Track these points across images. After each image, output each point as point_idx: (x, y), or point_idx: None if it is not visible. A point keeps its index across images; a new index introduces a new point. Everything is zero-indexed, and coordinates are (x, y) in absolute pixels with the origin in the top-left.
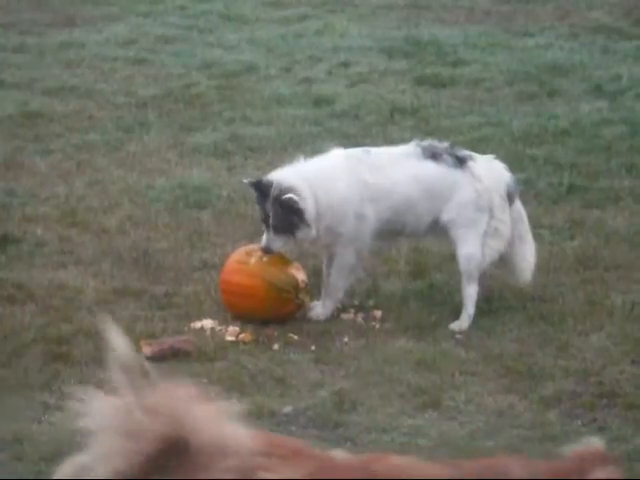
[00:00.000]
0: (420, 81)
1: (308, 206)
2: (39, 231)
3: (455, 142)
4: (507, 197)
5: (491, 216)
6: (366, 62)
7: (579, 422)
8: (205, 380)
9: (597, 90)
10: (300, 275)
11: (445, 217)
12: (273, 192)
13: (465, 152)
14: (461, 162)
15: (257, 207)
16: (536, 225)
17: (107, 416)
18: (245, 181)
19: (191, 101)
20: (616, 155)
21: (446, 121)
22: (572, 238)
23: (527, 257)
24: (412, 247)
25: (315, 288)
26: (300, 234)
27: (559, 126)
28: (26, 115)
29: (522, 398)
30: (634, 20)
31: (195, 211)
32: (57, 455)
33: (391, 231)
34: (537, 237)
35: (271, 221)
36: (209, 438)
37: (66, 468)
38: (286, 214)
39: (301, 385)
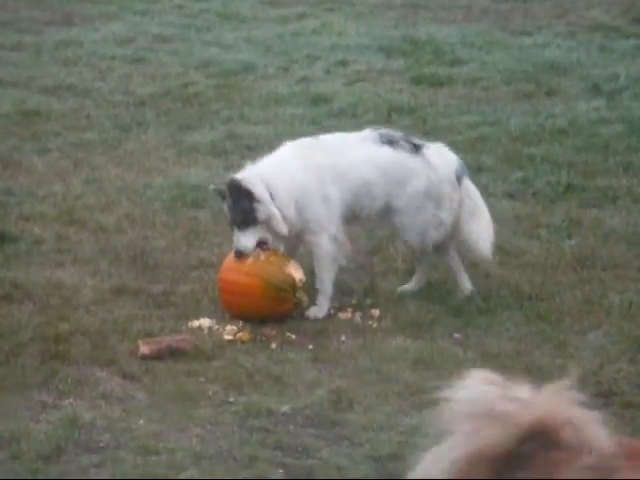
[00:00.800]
0: (418, 80)
1: (256, 187)
2: (36, 230)
3: (453, 141)
4: (456, 181)
5: (438, 206)
6: (364, 61)
7: None
8: (203, 379)
9: (595, 89)
10: (298, 274)
11: (396, 203)
12: (227, 189)
13: (419, 140)
14: (417, 149)
15: (226, 210)
16: (534, 224)
17: (478, 401)
18: (211, 187)
19: (189, 100)
20: (614, 154)
21: (444, 120)
22: (570, 237)
23: (481, 233)
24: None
25: (313, 287)
26: (261, 216)
27: (557, 125)
28: (23, 113)
29: None
30: (632, 18)
31: (193, 210)
32: (54, 454)
33: (351, 215)
34: (535, 236)
35: (233, 217)
36: (575, 436)
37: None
38: (239, 202)
39: (299, 384)
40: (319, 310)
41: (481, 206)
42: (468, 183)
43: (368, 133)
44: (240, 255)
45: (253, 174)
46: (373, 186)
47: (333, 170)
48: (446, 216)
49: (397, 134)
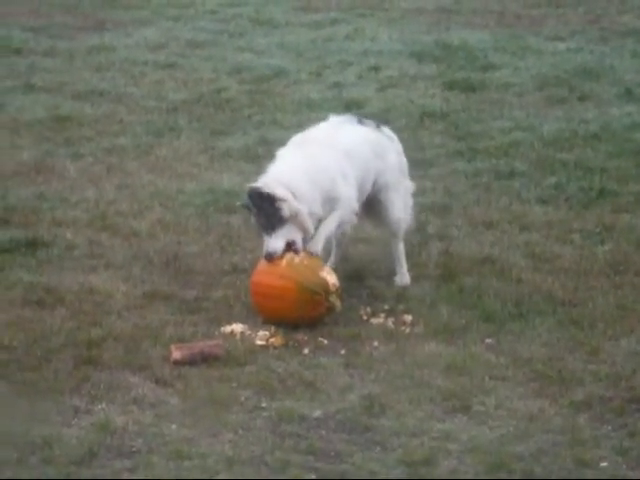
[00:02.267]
0: (450, 85)
1: (276, 188)
2: (69, 235)
3: (485, 147)
4: None
5: (406, 178)
6: (396, 66)
7: (609, 427)
8: (235, 384)
9: (627, 94)
10: (331, 278)
11: (382, 179)
12: (249, 199)
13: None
14: (378, 127)
15: (254, 213)
16: (567, 229)
17: None
18: (238, 204)
19: (221, 105)
20: None
21: (476, 125)
22: (603, 242)
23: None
24: (442, 251)
25: (346, 292)
26: (286, 214)
27: (589, 130)
28: (56, 119)
29: (552, 403)
30: None
31: (225, 215)
32: (86, 458)
33: (359, 195)
34: (568, 241)
35: (260, 223)
36: None
37: None
38: (263, 207)
39: (331, 389)
40: (314, 246)
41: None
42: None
43: (343, 117)
44: (270, 257)
45: (270, 179)
46: (369, 161)
47: (338, 150)
48: (410, 185)
49: (359, 117)
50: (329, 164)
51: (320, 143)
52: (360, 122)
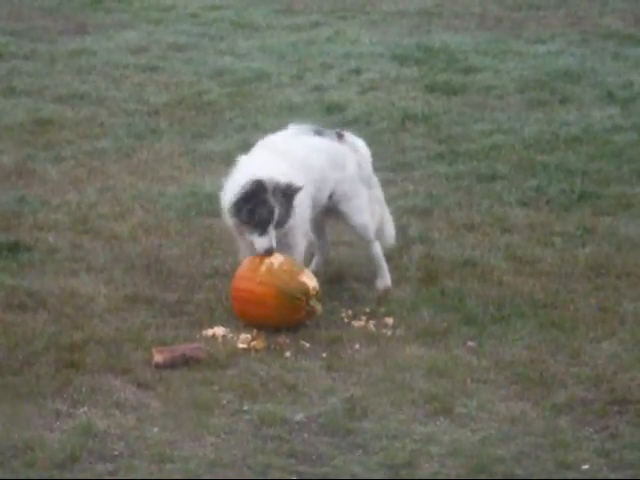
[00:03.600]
0: (431, 88)
1: (281, 181)
2: (50, 238)
3: (467, 150)
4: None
5: (369, 185)
6: (377, 69)
7: (591, 429)
8: (217, 387)
9: (609, 97)
10: (311, 282)
11: (340, 189)
12: (276, 188)
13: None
14: (340, 137)
15: (250, 212)
16: (548, 232)
17: None
18: (243, 189)
19: (202, 108)
20: (628, 162)
21: (457, 128)
22: (584, 245)
23: (388, 220)
24: (423, 254)
25: (327, 295)
26: (291, 220)
27: (570, 133)
28: (37, 122)
29: (534, 405)
30: None
31: (207, 218)
32: (68, 462)
33: (312, 205)
34: (549, 244)
35: (276, 217)
36: None
37: None
38: (288, 203)
39: (313, 392)
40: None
41: (381, 195)
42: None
43: (299, 128)
44: (270, 253)
45: (266, 173)
46: (325, 172)
47: (299, 161)
48: (378, 193)
49: (316, 127)
50: (295, 176)
51: (287, 152)
52: (318, 132)
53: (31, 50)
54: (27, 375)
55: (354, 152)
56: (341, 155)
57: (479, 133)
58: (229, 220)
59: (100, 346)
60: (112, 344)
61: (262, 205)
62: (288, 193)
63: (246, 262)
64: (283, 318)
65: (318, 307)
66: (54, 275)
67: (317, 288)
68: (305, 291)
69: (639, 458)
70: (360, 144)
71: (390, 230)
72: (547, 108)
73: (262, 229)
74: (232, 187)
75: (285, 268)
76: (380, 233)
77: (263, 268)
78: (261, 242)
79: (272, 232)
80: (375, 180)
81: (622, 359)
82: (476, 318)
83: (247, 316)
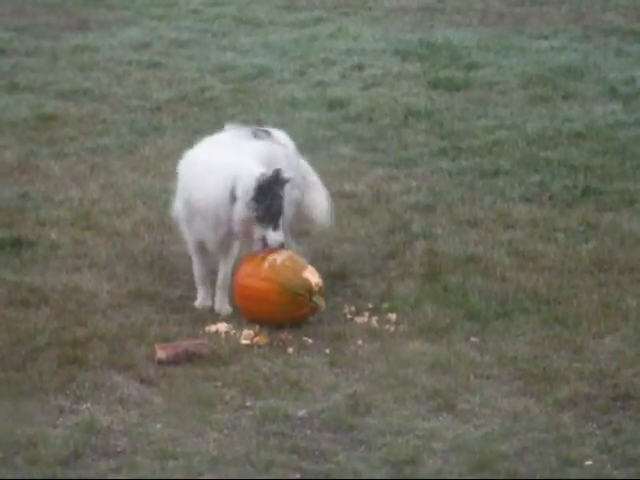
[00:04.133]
0: (434, 84)
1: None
2: (53, 235)
3: (470, 145)
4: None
5: (302, 176)
6: (380, 65)
7: (594, 425)
8: (219, 383)
9: (611, 92)
10: (314, 278)
11: None
12: (272, 182)
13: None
14: (268, 135)
15: (268, 205)
16: (551, 228)
17: None
18: (265, 175)
19: (205, 105)
20: (631, 157)
21: (460, 124)
22: (587, 241)
23: (319, 202)
24: (426, 249)
25: (330, 291)
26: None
27: (573, 129)
28: (40, 118)
29: (537, 401)
30: None
31: None
32: (71, 458)
33: None
34: (552, 240)
35: (275, 210)
36: None
37: None
38: (279, 193)
39: (315, 388)
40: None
41: (317, 181)
42: (302, 160)
43: (237, 129)
44: (282, 247)
45: (259, 168)
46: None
47: (260, 156)
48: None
49: (251, 128)
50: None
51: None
52: (256, 135)
53: (34, 46)
54: (30, 371)
55: (283, 148)
56: (276, 156)
57: (482, 129)
58: (242, 214)
59: (103, 342)
60: (115, 340)
61: (277, 197)
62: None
63: (249, 259)
64: (286, 314)
65: (321, 303)
66: (57, 271)
67: (320, 284)
68: (308, 287)
69: None
70: (283, 137)
71: (319, 209)
72: (550, 104)
73: (276, 222)
74: (220, 184)
75: (288, 264)
76: (309, 215)
77: (266, 265)
78: (276, 236)
79: (278, 228)
80: (306, 166)
81: (625, 355)
82: (479, 314)
83: (250, 313)
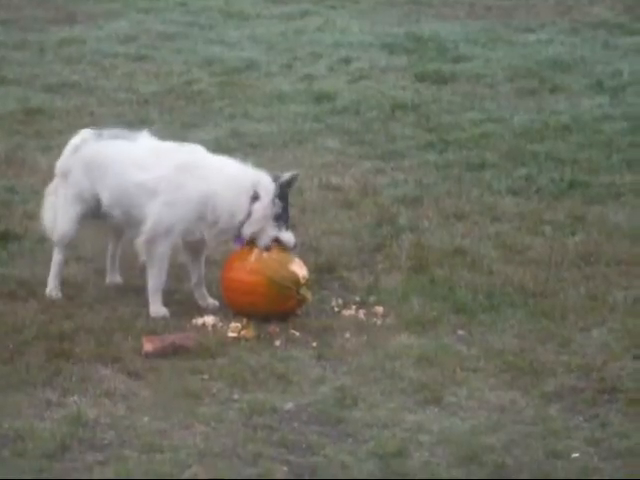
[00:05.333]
0: (421, 77)
1: None
2: (40, 228)
3: (457, 138)
4: None
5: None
6: (367, 58)
7: (581, 418)
8: (206, 376)
9: (598, 86)
10: (301, 271)
11: None
12: (291, 184)
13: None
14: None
15: (286, 207)
16: (538, 220)
17: None
18: (293, 175)
19: (192, 98)
20: (617, 151)
21: (447, 117)
22: (573, 234)
23: None
24: (413, 242)
25: (317, 284)
26: None
27: (560, 122)
28: (27, 111)
29: (524, 394)
30: (635, 16)
31: None
32: (59, 451)
33: None
34: (539, 232)
35: (288, 212)
36: None
37: None
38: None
39: (303, 381)
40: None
41: None
42: None
43: (97, 133)
44: (296, 246)
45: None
46: None
47: None
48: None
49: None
50: None
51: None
52: (115, 135)
53: (21, 39)
54: (17, 364)
55: None
56: None
57: (469, 122)
58: (267, 211)
59: (90, 335)
60: (102, 333)
61: (288, 199)
62: None
63: (236, 252)
64: (273, 307)
65: (308, 295)
66: (44, 264)
67: (307, 277)
68: (295, 280)
69: (629, 447)
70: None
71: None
72: (537, 97)
73: (288, 223)
74: (240, 187)
75: (274, 257)
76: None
77: (253, 257)
78: (290, 236)
79: (288, 227)
80: None
81: (612, 348)
82: (466, 307)
83: (237, 305)
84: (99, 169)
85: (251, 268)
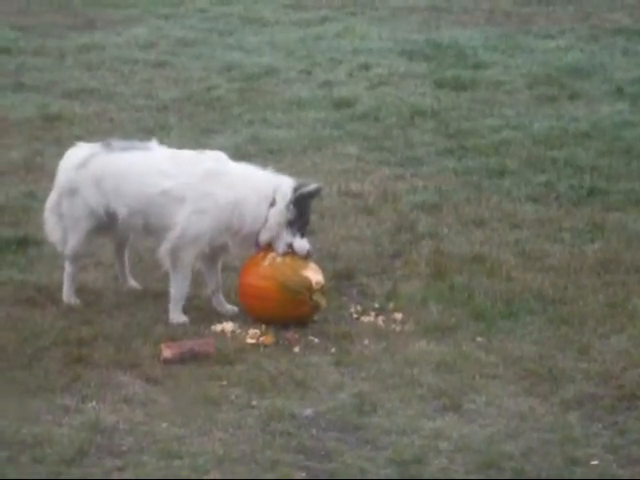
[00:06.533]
0: (440, 84)
1: None
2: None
3: (476, 145)
4: None
5: None
6: (386, 64)
7: (600, 425)
8: (225, 383)
9: (618, 92)
10: (315, 277)
11: None
12: (314, 195)
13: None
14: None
15: (306, 214)
16: (557, 228)
17: None
18: (316, 188)
19: (211, 104)
20: (637, 157)
21: (466, 124)
22: (593, 241)
23: None
24: (432, 249)
25: (336, 290)
26: None
27: (580, 128)
28: (46, 118)
29: (543, 401)
30: None
31: None
32: (77, 457)
33: None
34: (558, 240)
35: (308, 221)
36: None
37: None
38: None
39: (321, 388)
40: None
41: None
42: None
43: (90, 146)
44: (311, 254)
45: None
46: None
47: None
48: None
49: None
50: None
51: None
52: (107, 145)
53: (40, 45)
54: (36, 370)
55: None
56: None
57: (488, 128)
58: (281, 217)
59: (109, 341)
60: (121, 339)
61: (310, 209)
62: None
63: (251, 257)
64: (286, 312)
65: (322, 301)
66: (63, 270)
67: (321, 282)
68: (308, 285)
69: None
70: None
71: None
72: (556, 104)
73: (304, 231)
74: (261, 192)
75: (287, 262)
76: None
77: (266, 263)
78: (304, 243)
79: (304, 236)
80: None
81: (631, 355)
82: (485, 313)
83: (253, 311)
84: (113, 181)
85: (264, 273)
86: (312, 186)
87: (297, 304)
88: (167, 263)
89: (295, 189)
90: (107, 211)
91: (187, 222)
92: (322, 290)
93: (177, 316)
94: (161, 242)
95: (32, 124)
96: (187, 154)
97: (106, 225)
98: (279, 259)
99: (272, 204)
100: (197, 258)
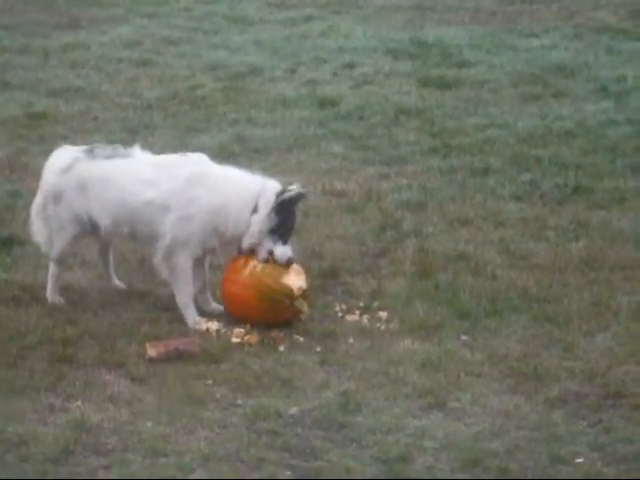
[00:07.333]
0: (425, 82)
1: None
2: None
3: (460, 144)
4: None
5: None
6: (371, 63)
7: (585, 423)
8: (210, 381)
9: (602, 91)
10: (296, 282)
11: None
12: (297, 201)
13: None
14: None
15: (288, 220)
16: (541, 226)
17: None
18: (298, 193)
19: (196, 103)
20: (621, 155)
21: (451, 122)
22: (577, 239)
23: None
24: (417, 248)
25: (320, 289)
26: None
27: (564, 127)
28: (31, 116)
29: (527, 399)
30: (639, 20)
31: None
32: (62, 456)
33: None
34: (543, 238)
35: (292, 228)
36: None
37: None
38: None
39: (306, 386)
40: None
41: None
42: None
43: (74, 149)
44: (292, 262)
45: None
46: None
47: None
48: None
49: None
50: None
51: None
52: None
53: (25, 44)
54: (21, 369)
55: None
56: None
57: (473, 127)
58: (263, 225)
59: (94, 340)
60: (106, 338)
61: (294, 214)
62: None
63: (231, 264)
64: (267, 319)
65: (304, 307)
66: (47, 269)
67: (303, 288)
68: (288, 293)
69: (633, 452)
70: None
71: None
72: (541, 102)
73: (287, 238)
74: (244, 198)
75: (267, 271)
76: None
77: (246, 271)
78: (285, 250)
79: (286, 243)
80: None
81: (616, 353)
82: (470, 312)
83: (236, 316)
84: (96, 191)
85: (244, 282)
86: (295, 192)
87: (279, 311)
88: (164, 272)
89: (278, 195)
90: (90, 219)
91: (175, 229)
92: (304, 295)
93: (194, 321)
94: (150, 249)
95: (17, 123)
96: (168, 159)
97: (91, 231)
98: (260, 267)
99: (255, 210)
100: (192, 261)
